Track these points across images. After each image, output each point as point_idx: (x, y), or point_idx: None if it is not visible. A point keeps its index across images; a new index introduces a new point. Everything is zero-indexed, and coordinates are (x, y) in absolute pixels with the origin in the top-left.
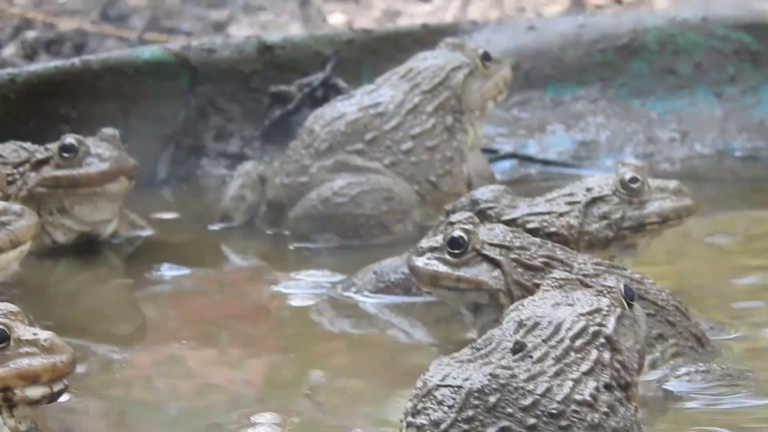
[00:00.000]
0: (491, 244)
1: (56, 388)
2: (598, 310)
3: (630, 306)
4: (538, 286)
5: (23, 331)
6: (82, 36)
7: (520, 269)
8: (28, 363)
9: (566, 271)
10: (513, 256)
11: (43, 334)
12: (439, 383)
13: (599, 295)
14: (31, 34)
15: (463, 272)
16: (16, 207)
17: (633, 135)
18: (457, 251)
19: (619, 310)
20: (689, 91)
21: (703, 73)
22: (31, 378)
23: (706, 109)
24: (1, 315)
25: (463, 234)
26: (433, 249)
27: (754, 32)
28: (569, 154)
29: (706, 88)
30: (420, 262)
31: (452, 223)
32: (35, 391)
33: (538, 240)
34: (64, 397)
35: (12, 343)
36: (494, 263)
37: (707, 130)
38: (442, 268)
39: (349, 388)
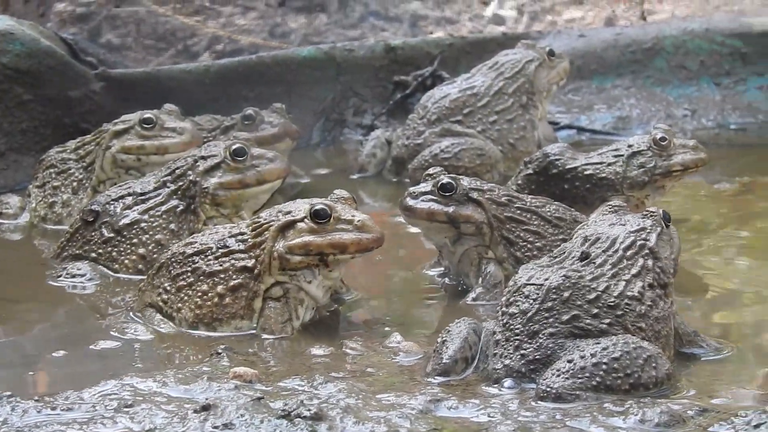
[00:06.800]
0: (471, 188)
1: (358, 256)
2: (643, 229)
3: (667, 226)
4: (507, 217)
5: (344, 212)
6: (255, 48)
7: (493, 205)
8: (340, 237)
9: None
10: (486, 196)
11: (359, 216)
12: (526, 282)
13: (644, 217)
14: (219, 47)
15: (452, 209)
16: (270, 154)
17: (656, 112)
18: (447, 193)
19: (659, 228)
20: (696, 81)
21: (707, 68)
22: (341, 248)
23: (709, 94)
24: (329, 198)
25: (451, 180)
26: (424, 193)
27: (743, 39)
28: (610, 125)
29: (709, 79)
30: (415, 203)
31: (431, 175)
32: (343, 257)
33: (495, 185)
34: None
35: (332, 220)
36: (476, 202)
37: (710, 109)
38: (437, 206)
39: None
